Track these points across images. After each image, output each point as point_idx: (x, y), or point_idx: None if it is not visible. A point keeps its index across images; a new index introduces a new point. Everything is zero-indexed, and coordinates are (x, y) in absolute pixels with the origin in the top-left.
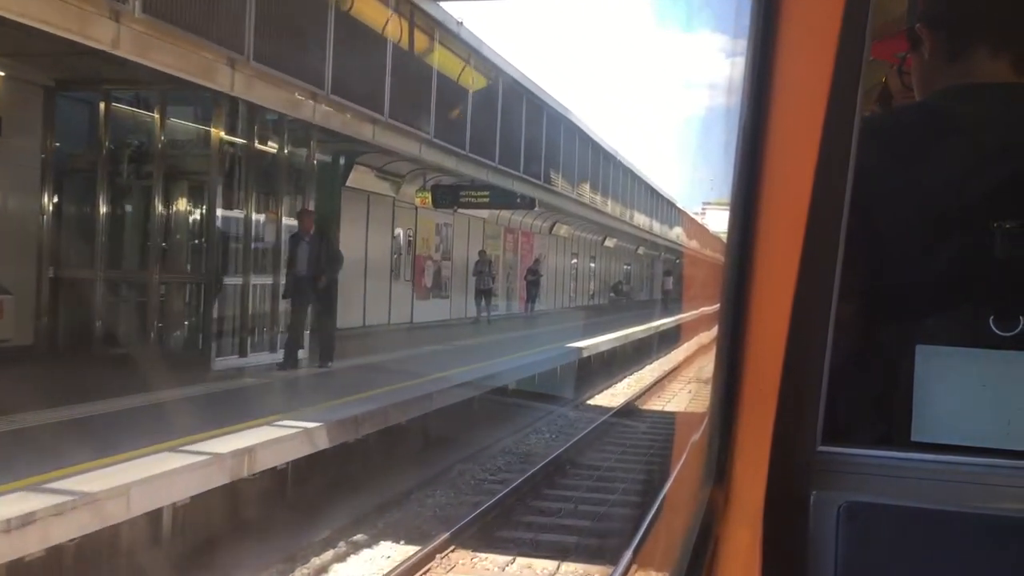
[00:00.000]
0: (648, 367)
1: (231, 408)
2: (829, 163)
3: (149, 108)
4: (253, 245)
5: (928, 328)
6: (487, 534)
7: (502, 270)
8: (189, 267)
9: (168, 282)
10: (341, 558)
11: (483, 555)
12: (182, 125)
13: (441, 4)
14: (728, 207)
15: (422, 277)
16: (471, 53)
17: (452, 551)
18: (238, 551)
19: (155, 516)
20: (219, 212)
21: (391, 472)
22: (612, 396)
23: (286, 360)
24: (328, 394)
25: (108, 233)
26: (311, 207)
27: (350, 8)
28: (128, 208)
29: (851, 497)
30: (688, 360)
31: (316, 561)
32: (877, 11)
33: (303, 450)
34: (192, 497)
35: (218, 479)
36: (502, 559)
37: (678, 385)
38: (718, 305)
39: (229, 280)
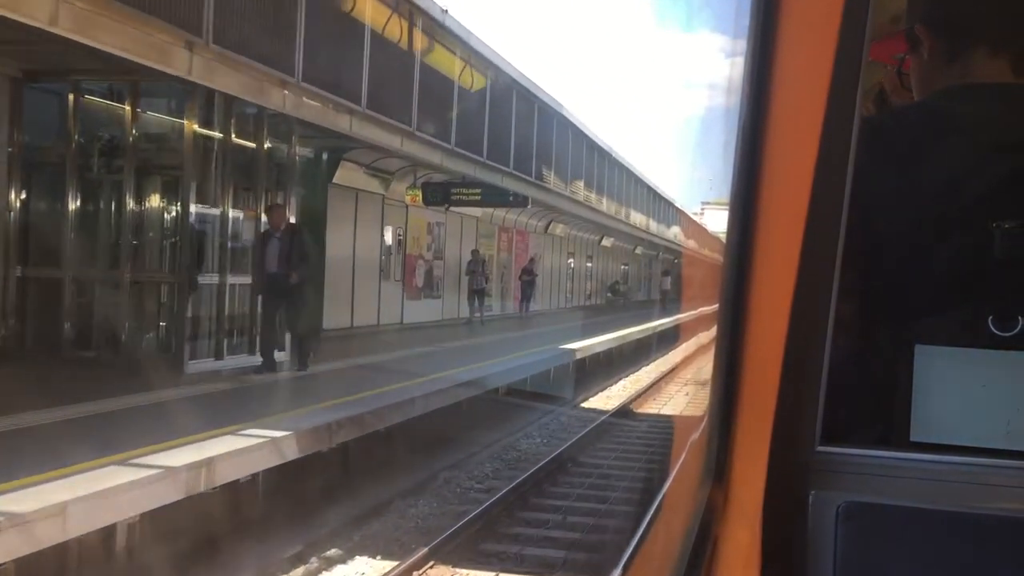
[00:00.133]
0: (645, 368)
1: (197, 415)
2: (828, 163)
3: (122, 100)
4: (230, 243)
5: (927, 328)
6: (470, 547)
7: (496, 270)
8: (167, 267)
9: (141, 281)
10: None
11: (464, 571)
12: (156, 118)
13: None
14: (727, 207)
15: (413, 277)
16: (458, 43)
17: (431, 567)
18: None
19: (95, 538)
20: (193, 208)
21: (370, 481)
22: (607, 399)
23: (264, 363)
24: (303, 399)
25: (78, 230)
26: (292, 204)
27: None
28: (99, 204)
29: (850, 497)
30: (686, 361)
31: None
32: (876, 11)
33: (270, 461)
34: (141, 515)
35: (170, 495)
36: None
37: (675, 387)
38: (717, 305)
39: (204, 279)
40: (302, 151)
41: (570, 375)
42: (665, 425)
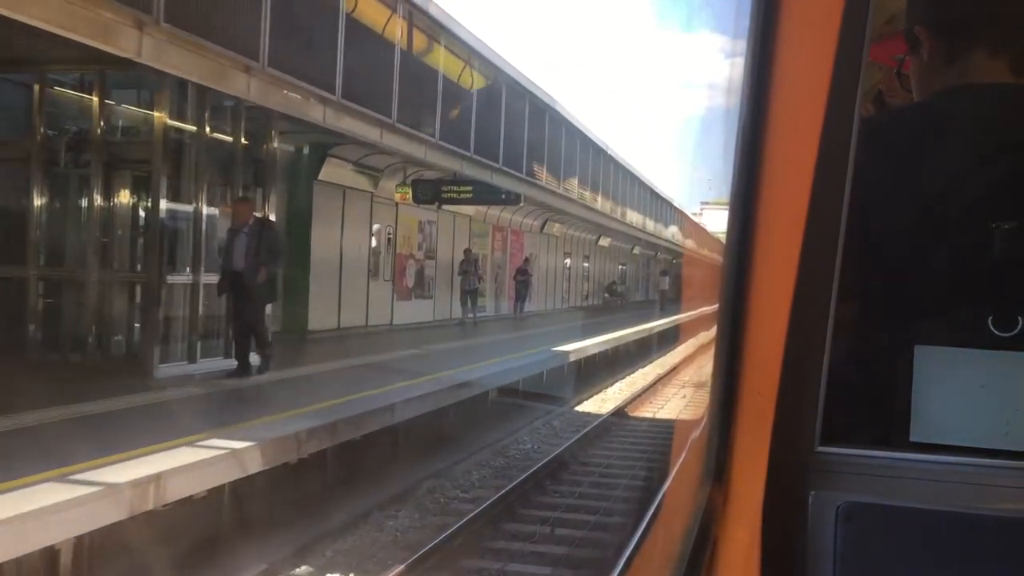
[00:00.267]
0: (641, 370)
1: (158, 424)
2: (828, 163)
3: (92, 91)
4: (204, 241)
5: (927, 328)
6: (449, 563)
7: (490, 270)
8: (138, 266)
9: (110, 281)
10: None
11: None
12: (126, 110)
13: None
14: (727, 207)
15: (403, 276)
16: (442, 32)
17: None
18: None
19: (21, 564)
20: (164, 204)
21: (345, 493)
22: (602, 401)
23: (238, 367)
24: (275, 406)
25: (44, 227)
26: (272, 200)
27: None
28: (67, 200)
29: (850, 497)
30: (684, 363)
31: None
32: (876, 12)
33: (229, 474)
34: (76, 538)
35: (111, 515)
36: None
37: (673, 389)
38: (716, 306)
39: (174, 279)
40: (283, 146)
41: (564, 378)
42: (661, 429)
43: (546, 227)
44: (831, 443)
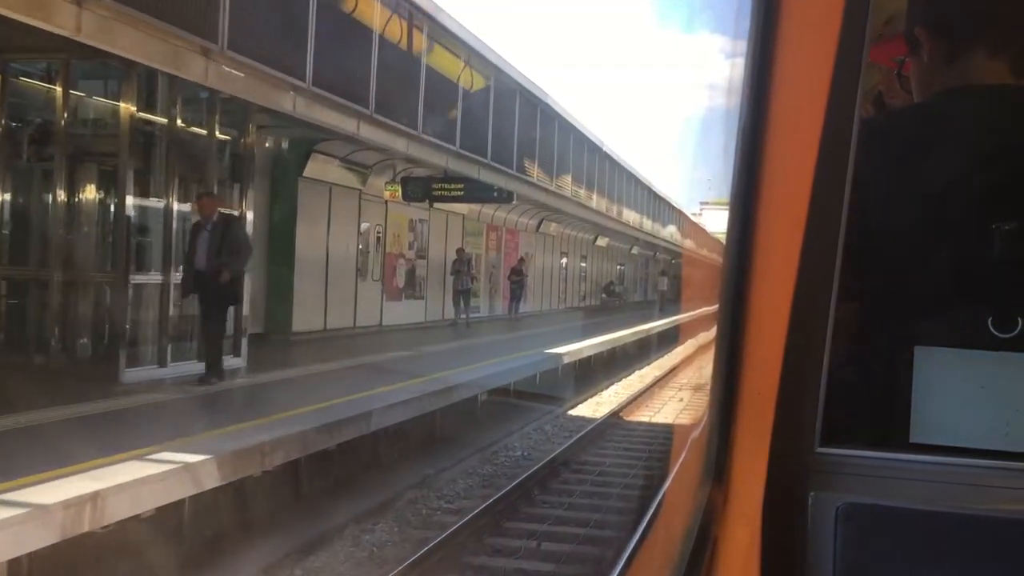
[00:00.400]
0: (639, 372)
1: (113, 434)
2: (828, 164)
3: (55, 81)
4: (175, 239)
5: (927, 329)
6: None
7: (484, 270)
8: (108, 265)
9: (75, 281)
10: None
11: None
12: (94, 102)
13: None
14: (727, 207)
15: (393, 276)
16: (425, 20)
17: None
18: None
19: None
20: (131, 200)
21: (318, 506)
22: (597, 405)
23: (208, 371)
24: (244, 414)
25: (6, 224)
26: (249, 196)
27: None
28: (29, 195)
29: (849, 498)
30: (683, 365)
31: None
32: (876, 13)
33: (180, 491)
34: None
35: (38, 539)
36: None
37: (670, 392)
38: (715, 306)
39: (140, 279)
40: (264, 140)
41: (558, 381)
42: (658, 433)
43: (542, 226)
44: (831, 444)
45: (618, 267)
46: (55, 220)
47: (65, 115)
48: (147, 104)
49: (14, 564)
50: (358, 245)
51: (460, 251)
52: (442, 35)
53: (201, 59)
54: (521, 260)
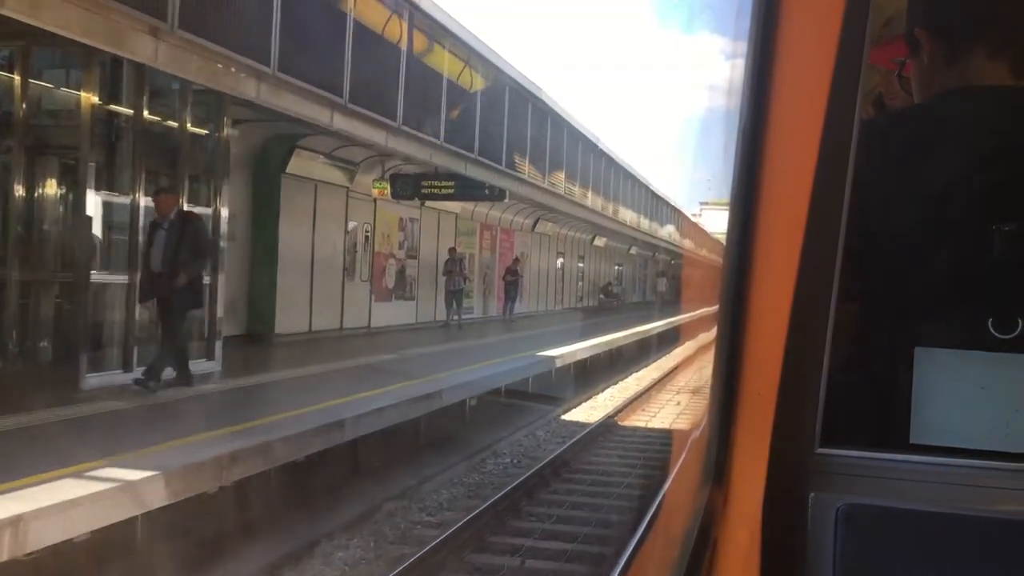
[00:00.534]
0: (635, 375)
1: (59, 446)
2: (828, 165)
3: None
4: (141, 236)
5: (927, 330)
6: None
7: (478, 270)
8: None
9: (33, 281)
10: None
11: None
12: (58, 92)
13: None
14: (727, 207)
15: (382, 277)
16: (407, 5)
17: None
18: None
19: None
20: (93, 196)
21: (284, 524)
22: (591, 409)
23: (177, 376)
24: (209, 422)
25: None
26: (224, 192)
27: None
28: None
29: (849, 499)
30: (681, 367)
31: None
32: (876, 15)
33: (118, 513)
34: None
35: None
36: None
37: (667, 395)
38: (714, 307)
39: (106, 278)
40: (243, 135)
41: (552, 384)
42: (654, 438)
43: (538, 226)
44: (831, 444)
45: (616, 267)
46: (13, 216)
47: (24, 105)
48: (111, 94)
49: None
50: (345, 244)
51: (452, 251)
52: (424, 21)
53: (150, 39)
54: (516, 260)
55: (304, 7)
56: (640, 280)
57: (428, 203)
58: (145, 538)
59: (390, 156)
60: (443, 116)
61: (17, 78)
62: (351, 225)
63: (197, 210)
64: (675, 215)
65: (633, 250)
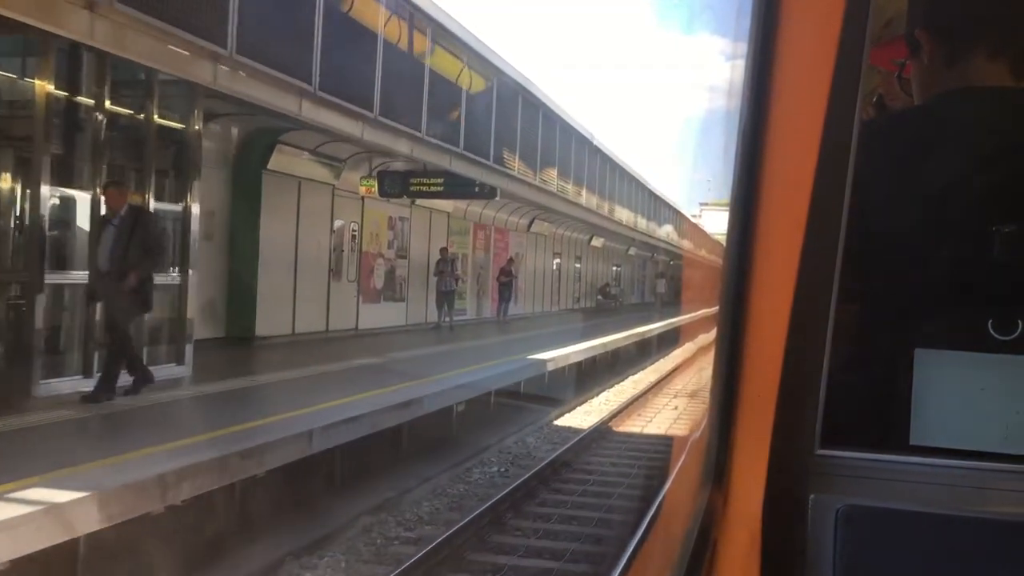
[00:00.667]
0: (632, 379)
1: None
2: (828, 166)
3: None
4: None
5: (927, 331)
6: None
7: (471, 270)
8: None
9: None
10: None
11: None
12: (14, 81)
13: None
14: (727, 208)
15: (370, 277)
16: None
17: None
18: None
19: None
20: (47, 190)
21: (245, 543)
22: (585, 414)
23: (135, 381)
24: (164, 434)
25: None
26: (195, 189)
27: None
28: None
29: (849, 500)
30: (680, 370)
31: None
32: (876, 16)
33: (41, 539)
34: None
35: None
36: None
37: (664, 400)
38: (714, 308)
39: (58, 278)
40: (217, 129)
41: (545, 389)
42: (650, 445)
43: (534, 225)
44: (831, 446)
45: (614, 268)
46: None
47: None
48: (71, 84)
49: None
50: (331, 244)
51: (444, 251)
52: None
53: (85, 14)
54: (510, 260)
55: None
56: (639, 281)
57: (419, 202)
58: (62, 573)
59: (379, 154)
60: (425, 107)
61: None
62: (337, 224)
63: (166, 207)
64: (675, 216)
65: (632, 251)
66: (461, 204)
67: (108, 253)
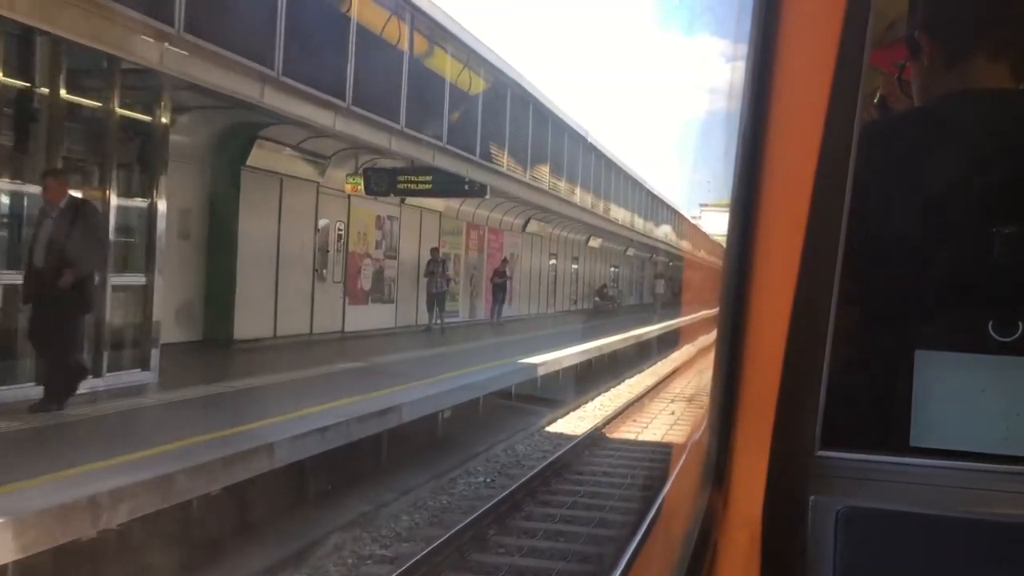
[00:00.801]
0: (627, 382)
1: None
2: (829, 167)
3: None
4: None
5: (927, 333)
6: None
7: (464, 271)
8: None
9: None
10: None
11: None
12: None
13: None
14: (727, 209)
15: (357, 278)
16: None
17: None
18: None
19: None
20: None
21: (200, 567)
22: (579, 420)
23: (48, 396)
24: (111, 448)
25: None
26: (161, 184)
27: None
28: None
29: (849, 501)
30: (678, 372)
31: None
32: (877, 18)
33: None
34: None
35: None
36: None
37: (660, 404)
38: (713, 310)
39: (8, 279)
40: (192, 122)
41: (538, 393)
42: (645, 453)
43: (529, 225)
44: (831, 447)
45: (612, 269)
46: None
47: None
48: (22, 70)
49: None
50: (315, 243)
51: (435, 251)
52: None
53: None
54: (504, 261)
55: None
56: (637, 282)
57: (409, 201)
58: None
59: (365, 150)
60: (404, 97)
61: None
62: (322, 223)
63: (130, 204)
64: (674, 216)
65: (630, 251)
66: (453, 203)
67: (44, 248)
